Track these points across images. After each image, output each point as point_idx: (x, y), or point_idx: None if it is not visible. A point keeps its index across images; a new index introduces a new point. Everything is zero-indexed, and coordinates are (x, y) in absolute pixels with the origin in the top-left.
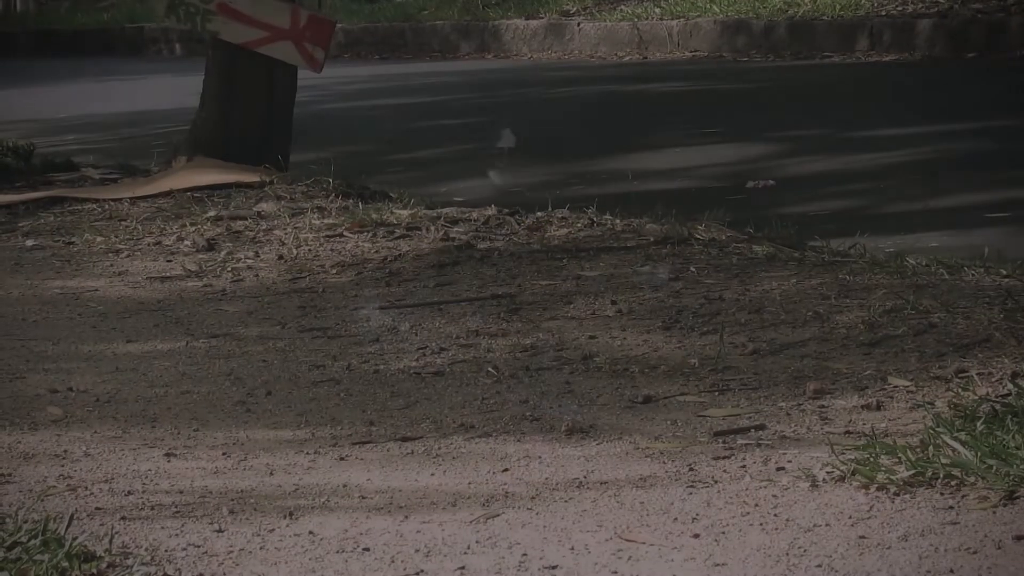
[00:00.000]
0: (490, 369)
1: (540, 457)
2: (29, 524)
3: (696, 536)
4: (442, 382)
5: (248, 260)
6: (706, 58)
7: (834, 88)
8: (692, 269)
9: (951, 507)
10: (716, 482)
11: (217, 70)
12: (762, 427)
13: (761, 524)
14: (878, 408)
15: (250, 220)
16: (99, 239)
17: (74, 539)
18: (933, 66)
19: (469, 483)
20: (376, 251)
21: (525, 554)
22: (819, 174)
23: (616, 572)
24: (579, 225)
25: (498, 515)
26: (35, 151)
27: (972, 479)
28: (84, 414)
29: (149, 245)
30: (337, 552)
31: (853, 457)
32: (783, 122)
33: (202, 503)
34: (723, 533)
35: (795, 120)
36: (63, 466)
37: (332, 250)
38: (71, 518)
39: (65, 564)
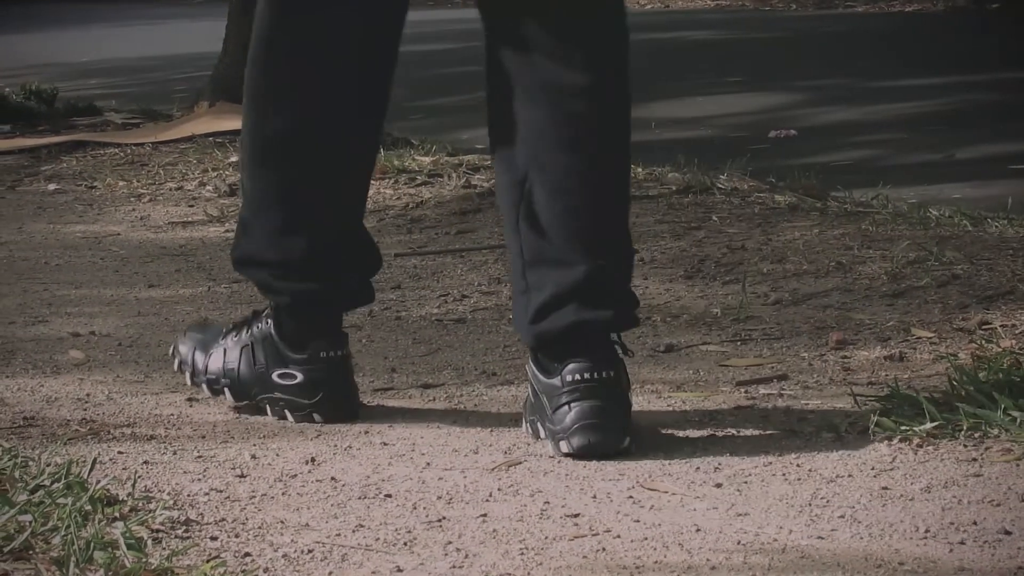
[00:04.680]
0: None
1: None
2: (52, 467)
3: (718, 486)
4: (464, 329)
5: None
6: (729, 7)
7: (857, 38)
8: (714, 218)
9: (974, 459)
10: (738, 432)
11: (239, 14)
12: (784, 377)
13: (783, 474)
14: (901, 359)
15: None
16: (121, 183)
17: (97, 483)
18: (956, 17)
19: (491, 431)
20: (398, 198)
21: (547, 502)
22: (841, 124)
23: (638, 521)
24: None
25: (520, 463)
26: (58, 95)
27: (995, 431)
28: (106, 358)
29: (171, 190)
30: (359, 498)
31: (876, 408)
32: (805, 71)
33: (224, 448)
34: (745, 483)
35: (817, 70)
36: (86, 410)
37: None
38: (94, 462)
39: (88, 508)
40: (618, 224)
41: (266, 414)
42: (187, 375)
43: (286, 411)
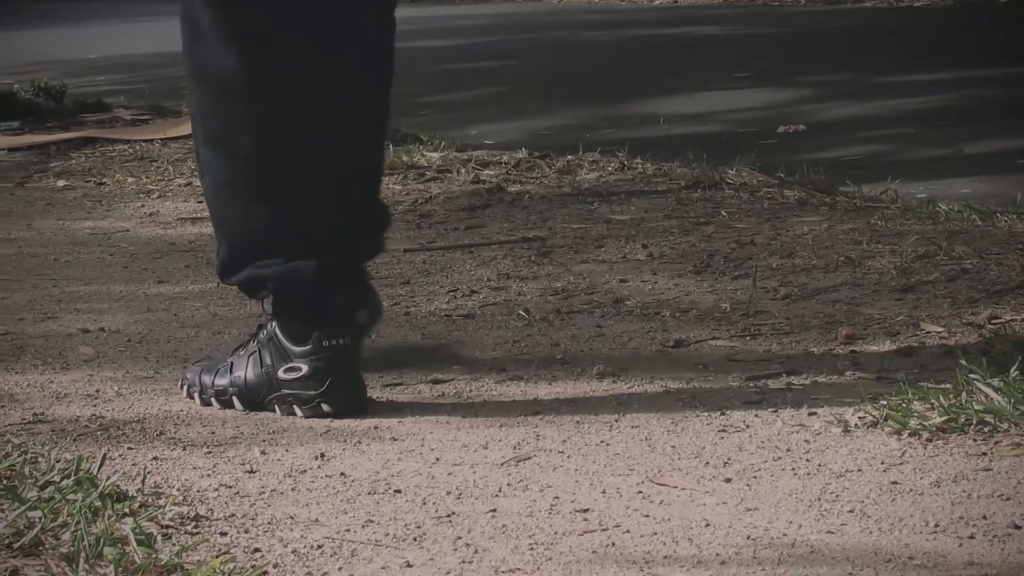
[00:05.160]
0: (521, 312)
1: (571, 400)
2: (62, 463)
3: (728, 481)
4: (473, 324)
5: None
6: (737, 2)
7: (866, 33)
8: (723, 213)
9: (984, 453)
10: (748, 427)
11: None
12: (794, 372)
13: (793, 469)
14: (910, 354)
15: None
16: (130, 180)
17: (107, 479)
18: (965, 12)
19: (500, 426)
20: (407, 193)
21: (557, 497)
22: (850, 119)
23: (648, 516)
24: (610, 168)
25: (529, 458)
26: (67, 91)
27: (1005, 426)
28: (116, 354)
29: (180, 186)
30: (369, 494)
31: (885, 403)
32: (814, 66)
33: (234, 444)
34: (755, 478)
35: (826, 65)
36: (95, 406)
37: None
38: (104, 458)
39: (98, 504)
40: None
41: (277, 412)
42: (196, 396)
43: (294, 407)
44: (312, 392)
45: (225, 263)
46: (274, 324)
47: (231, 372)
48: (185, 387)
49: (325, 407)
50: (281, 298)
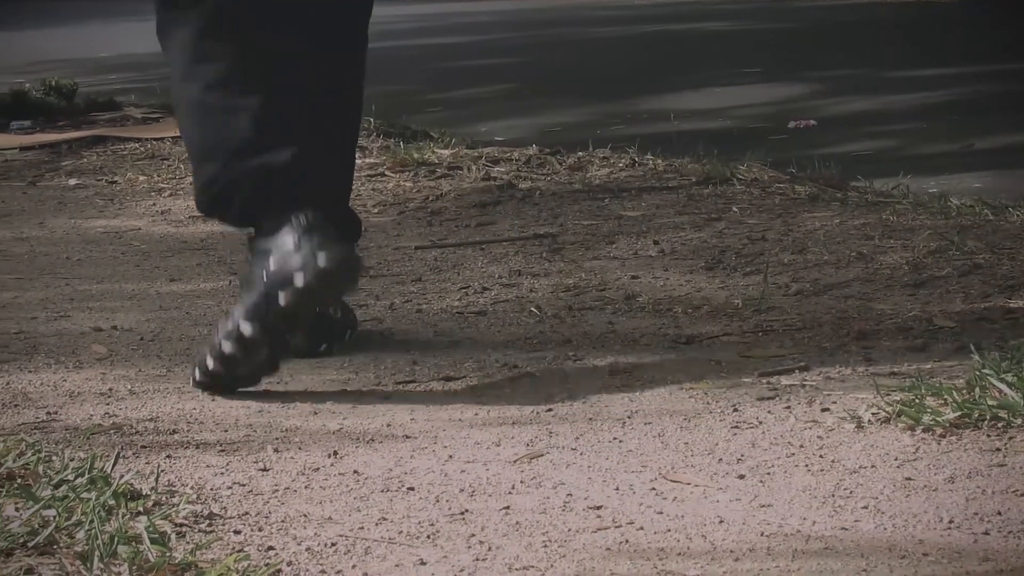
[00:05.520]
0: (533, 309)
1: (584, 397)
2: (75, 462)
3: (741, 477)
4: (485, 321)
5: None
6: None
7: (876, 28)
8: (734, 209)
9: (998, 449)
10: (761, 423)
11: None
12: (806, 368)
13: (807, 465)
14: (923, 349)
15: None
16: (142, 178)
17: (120, 477)
18: (975, 6)
19: (513, 423)
20: (417, 190)
21: (570, 494)
22: (861, 114)
23: (661, 512)
24: (620, 165)
25: (542, 455)
26: (78, 90)
27: (1019, 421)
28: (128, 352)
29: (191, 184)
30: (382, 491)
31: (899, 398)
32: (824, 62)
33: (247, 442)
34: (768, 474)
35: (836, 60)
36: (108, 404)
37: (373, 189)
38: (117, 456)
39: (112, 502)
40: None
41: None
42: (201, 372)
43: (296, 274)
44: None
45: (198, 193)
46: (248, 241)
47: (229, 318)
48: (196, 370)
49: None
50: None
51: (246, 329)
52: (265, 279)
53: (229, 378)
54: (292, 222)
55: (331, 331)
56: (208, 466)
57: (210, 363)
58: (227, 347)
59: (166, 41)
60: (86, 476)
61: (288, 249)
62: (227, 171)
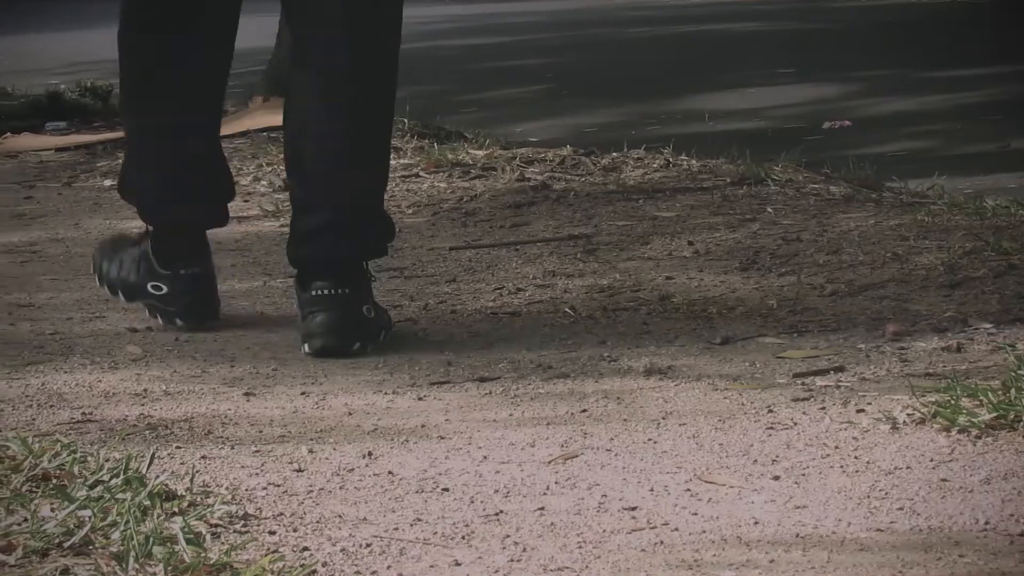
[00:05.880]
0: (567, 310)
1: (618, 398)
2: (111, 463)
3: (776, 478)
4: (519, 322)
5: None
6: None
7: (911, 28)
8: (769, 210)
9: None
10: (795, 424)
11: None
12: (841, 369)
13: (842, 467)
14: (958, 350)
15: None
16: None
17: (155, 478)
18: (1011, 6)
19: (547, 424)
20: (452, 191)
21: (604, 495)
22: (896, 114)
23: (696, 514)
24: (655, 165)
25: (577, 456)
26: (113, 91)
27: None
28: (163, 353)
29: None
30: (417, 492)
31: (934, 400)
32: (859, 62)
33: (281, 442)
34: (803, 475)
35: (871, 60)
36: (143, 405)
37: (408, 190)
38: (152, 457)
39: (147, 503)
40: (365, 180)
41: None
42: (96, 277)
43: (157, 315)
44: (171, 309)
45: (122, 183)
46: (148, 243)
47: (121, 268)
48: (92, 265)
49: (179, 322)
50: (156, 233)
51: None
52: (142, 283)
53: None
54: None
55: (366, 331)
56: (243, 467)
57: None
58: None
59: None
60: (121, 477)
61: (167, 295)
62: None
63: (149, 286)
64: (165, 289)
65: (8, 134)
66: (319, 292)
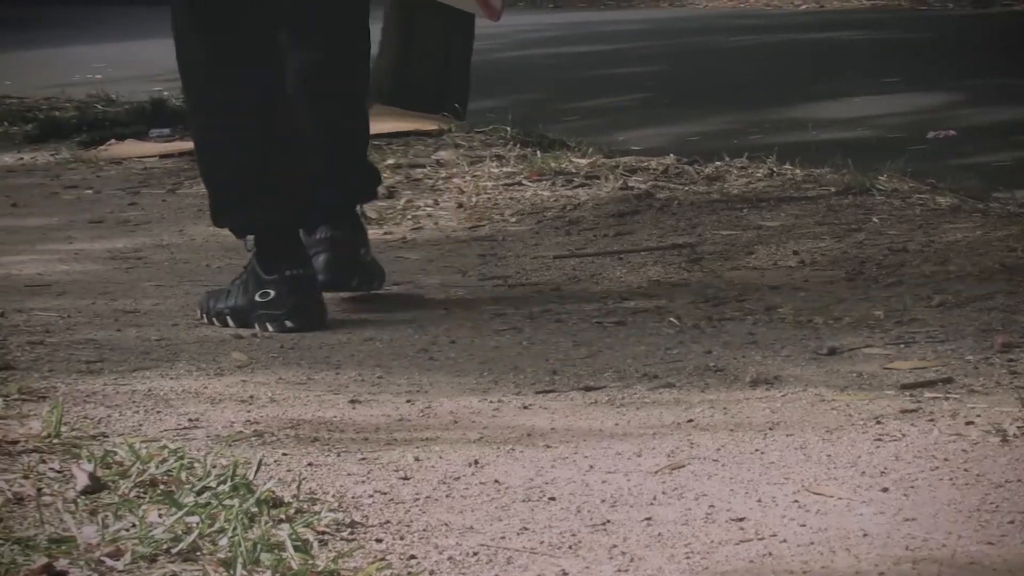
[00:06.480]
0: (672, 319)
1: (724, 408)
2: (218, 469)
3: (885, 490)
4: (624, 331)
5: (427, 208)
6: (884, 6)
7: (1015, 36)
8: (874, 220)
9: None
10: (904, 435)
11: (396, 18)
12: (950, 380)
13: (951, 479)
14: None
15: (429, 168)
16: None
17: (263, 484)
18: None
19: (653, 433)
20: (555, 199)
21: (712, 505)
22: (1001, 124)
23: (804, 525)
24: (758, 175)
25: (683, 466)
26: None
27: None
28: (268, 360)
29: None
30: (523, 501)
31: None
32: (963, 71)
33: (387, 450)
34: (912, 487)
35: (975, 69)
36: (249, 411)
37: (511, 198)
38: (259, 464)
39: (254, 510)
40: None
41: (257, 329)
42: (204, 317)
43: (267, 323)
44: (278, 312)
45: (214, 211)
46: (253, 260)
47: (227, 298)
48: (199, 312)
49: (289, 324)
50: (258, 240)
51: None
52: (250, 298)
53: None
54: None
55: (363, 271)
56: (349, 474)
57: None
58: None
59: (183, 68)
60: (229, 483)
61: (273, 299)
62: (234, 186)
63: (257, 295)
64: (272, 293)
65: (112, 141)
66: (320, 235)
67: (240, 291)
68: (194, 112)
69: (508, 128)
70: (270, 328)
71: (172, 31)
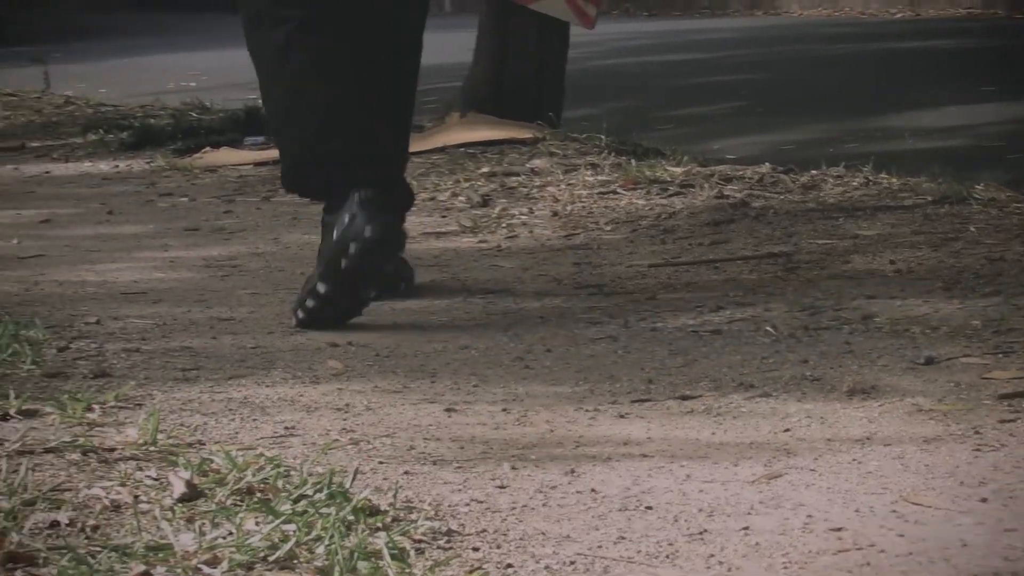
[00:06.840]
0: (768, 328)
1: (821, 417)
2: (314, 477)
3: (984, 501)
4: (720, 340)
5: (522, 216)
6: (980, 15)
7: None
8: (972, 229)
9: None
10: (1003, 446)
11: (490, 26)
12: None
13: None
14: None
15: (523, 176)
16: None
17: (359, 493)
18: None
19: (750, 443)
20: (650, 208)
21: (810, 515)
22: None
23: (903, 536)
24: (854, 183)
25: (780, 475)
26: None
27: None
28: (364, 368)
29: (424, 201)
30: (620, 510)
31: None
32: None
33: (483, 459)
34: (1012, 498)
35: None
36: (345, 419)
37: (606, 207)
38: (356, 472)
39: (351, 518)
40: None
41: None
42: (297, 323)
43: (350, 243)
44: (358, 229)
45: (284, 176)
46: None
47: (306, 284)
48: (292, 317)
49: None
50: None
51: (321, 288)
52: (331, 248)
53: (314, 320)
54: (350, 199)
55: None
56: (445, 483)
57: (299, 313)
58: (309, 303)
59: (254, 54)
60: (325, 491)
61: (345, 223)
62: (302, 156)
63: (334, 233)
64: (347, 218)
65: (207, 148)
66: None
67: (321, 254)
68: (266, 95)
69: (603, 136)
70: (352, 250)
71: (241, 21)
